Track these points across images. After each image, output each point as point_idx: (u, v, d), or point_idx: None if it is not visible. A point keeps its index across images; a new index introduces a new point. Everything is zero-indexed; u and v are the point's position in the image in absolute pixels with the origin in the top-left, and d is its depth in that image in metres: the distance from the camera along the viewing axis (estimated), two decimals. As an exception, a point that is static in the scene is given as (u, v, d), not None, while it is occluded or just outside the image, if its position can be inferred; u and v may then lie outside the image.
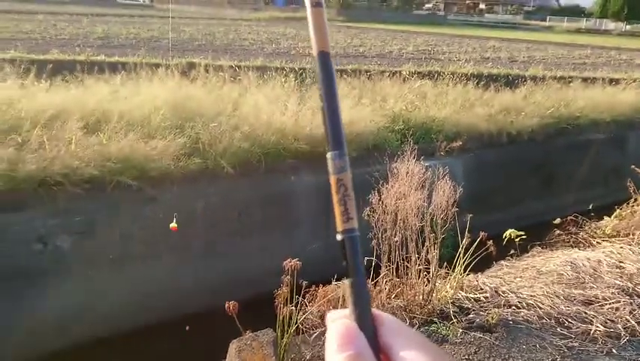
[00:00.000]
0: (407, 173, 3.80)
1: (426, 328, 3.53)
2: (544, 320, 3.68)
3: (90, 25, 21.55)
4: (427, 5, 69.56)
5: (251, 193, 6.60)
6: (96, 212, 5.70)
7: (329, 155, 0.53)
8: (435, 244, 3.89)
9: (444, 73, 12.28)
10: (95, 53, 12.34)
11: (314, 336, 3.64)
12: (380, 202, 3.81)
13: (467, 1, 72.78)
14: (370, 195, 3.96)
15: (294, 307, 3.34)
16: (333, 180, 0.52)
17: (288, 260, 3.42)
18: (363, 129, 7.57)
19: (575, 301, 3.92)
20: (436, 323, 3.58)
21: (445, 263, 4.13)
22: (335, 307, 3.82)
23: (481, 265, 4.29)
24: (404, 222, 3.78)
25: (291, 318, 3.36)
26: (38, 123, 6.11)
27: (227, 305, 3.16)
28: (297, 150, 6.95)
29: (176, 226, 5.16)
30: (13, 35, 15.52)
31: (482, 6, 72.95)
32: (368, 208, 3.87)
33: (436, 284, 3.83)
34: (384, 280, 3.80)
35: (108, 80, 8.48)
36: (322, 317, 3.94)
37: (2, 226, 5.48)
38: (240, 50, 16.34)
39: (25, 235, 5.60)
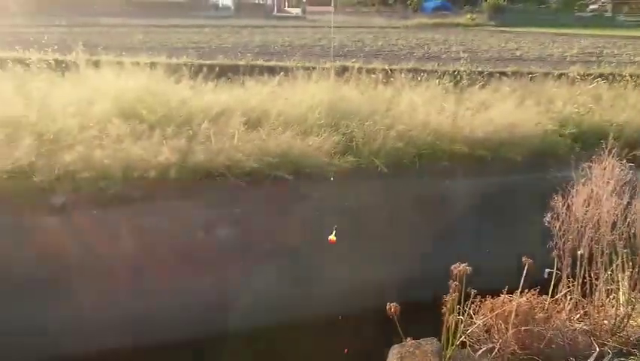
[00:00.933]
0: (603, 175, 3.24)
1: (622, 359, 2.96)
2: None
3: (249, 35, 23.07)
4: (591, 7, 63.28)
5: (403, 195, 6.33)
6: (254, 204, 5.87)
7: None
8: (632, 261, 3.29)
9: (621, 75, 10.87)
10: (254, 58, 13.07)
11: (479, 353, 3.26)
12: (565, 209, 3.31)
13: (641, 0, 64.69)
14: (550, 201, 3.48)
15: (461, 317, 3.01)
16: None
17: (457, 264, 3.11)
18: (527, 132, 6.91)
19: None
20: (635, 355, 2.98)
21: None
22: (505, 322, 3.40)
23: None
24: (595, 232, 3.24)
25: (457, 328, 3.03)
26: (206, 119, 6.51)
27: (388, 307, 2.94)
28: (453, 151, 6.55)
29: (334, 238, 4.92)
30: (185, 45, 17.15)
31: (660, 5, 64.24)
32: (549, 215, 3.39)
33: (634, 309, 3.22)
34: (568, 298, 3.28)
35: (266, 82, 8.84)
36: (488, 331, 3.53)
37: (171, 214, 5.89)
38: (389, 55, 16.20)
39: (190, 222, 5.95)
